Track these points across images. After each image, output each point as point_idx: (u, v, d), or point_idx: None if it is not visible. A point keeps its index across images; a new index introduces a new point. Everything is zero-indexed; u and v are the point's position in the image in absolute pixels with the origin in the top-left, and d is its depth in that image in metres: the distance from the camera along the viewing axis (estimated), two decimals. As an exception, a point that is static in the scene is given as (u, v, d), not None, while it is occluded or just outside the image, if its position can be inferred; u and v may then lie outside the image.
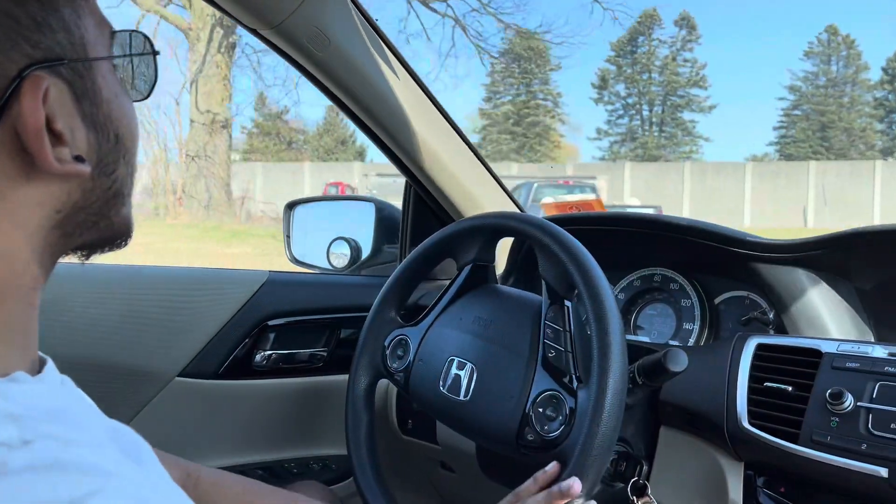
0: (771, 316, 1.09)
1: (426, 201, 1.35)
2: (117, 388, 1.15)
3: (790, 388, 0.84)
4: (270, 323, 1.26)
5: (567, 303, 0.82)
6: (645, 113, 35.17)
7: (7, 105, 0.41)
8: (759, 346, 0.91)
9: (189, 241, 12.63)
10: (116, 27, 0.50)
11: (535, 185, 12.46)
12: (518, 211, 1.32)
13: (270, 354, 1.27)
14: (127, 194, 0.51)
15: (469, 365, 0.88)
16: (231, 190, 18.41)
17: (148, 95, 0.54)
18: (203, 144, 17.57)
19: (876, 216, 20.44)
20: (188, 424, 1.21)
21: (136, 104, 0.52)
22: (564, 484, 0.71)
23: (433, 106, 1.18)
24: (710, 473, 0.91)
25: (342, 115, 1.16)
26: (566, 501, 0.71)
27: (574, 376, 0.78)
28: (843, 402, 0.77)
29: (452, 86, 31.78)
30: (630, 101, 35.18)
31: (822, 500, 0.81)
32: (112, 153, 0.48)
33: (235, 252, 11.11)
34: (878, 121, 31.38)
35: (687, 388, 0.92)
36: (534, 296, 0.92)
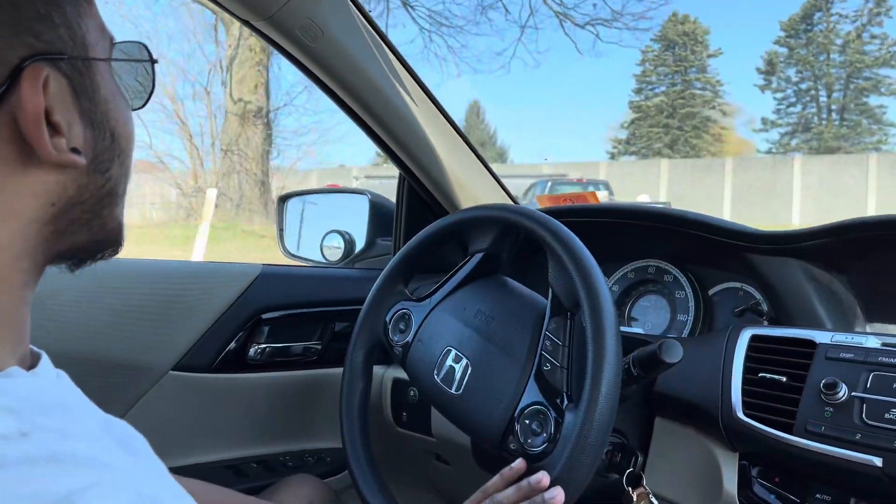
0: (765, 307, 1.09)
1: (420, 194, 1.34)
2: (111, 382, 1.15)
3: (784, 379, 0.84)
4: (264, 316, 1.25)
5: (570, 315, 0.81)
6: (822, 99, 29.14)
7: (7, 92, 0.42)
8: (753, 338, 0.91)
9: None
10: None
11: (549, 182, 12.62)
12: (514, 203, 1.32)
13: (265, 348, 1.26)
14: (120, 195, 0.51)
15: (465, 360, 0.88)
16: (270, 186, 15.80)
17: (144, 104, 0.55)
18: (235, 136, 15.60)
19: None
20: (182, 418, 1.21)
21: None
22: (534, 478, 0.71)
23: (427, 98, 1.18)
24: (705, 464, 0.91)
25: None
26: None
27: (565, 394, 0.77)
28: (837, 393, 0.78)
29: (533, 64, 28.05)
30: (803, 86, 29.46)
31: (816, 490, 0.82)
32: (107, 151, 0.49)
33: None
34: None
35: (682, 380, 0.93)
36: (540, 299, 0.91)
